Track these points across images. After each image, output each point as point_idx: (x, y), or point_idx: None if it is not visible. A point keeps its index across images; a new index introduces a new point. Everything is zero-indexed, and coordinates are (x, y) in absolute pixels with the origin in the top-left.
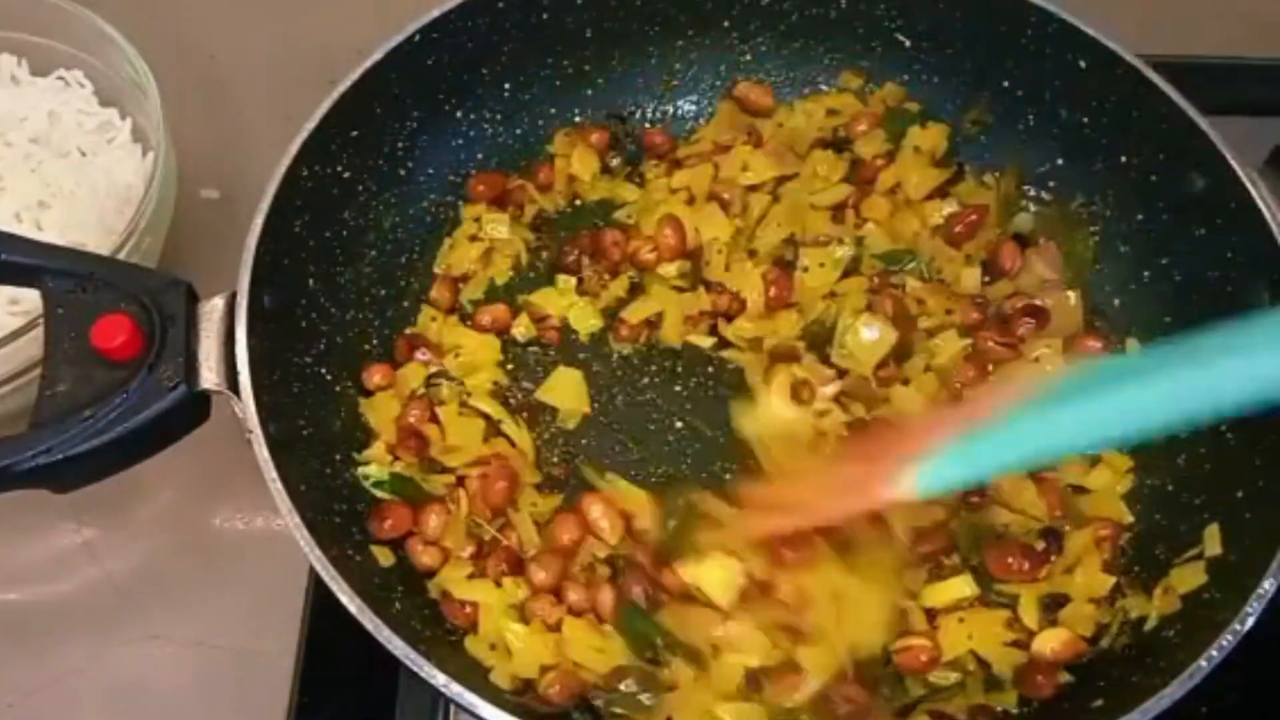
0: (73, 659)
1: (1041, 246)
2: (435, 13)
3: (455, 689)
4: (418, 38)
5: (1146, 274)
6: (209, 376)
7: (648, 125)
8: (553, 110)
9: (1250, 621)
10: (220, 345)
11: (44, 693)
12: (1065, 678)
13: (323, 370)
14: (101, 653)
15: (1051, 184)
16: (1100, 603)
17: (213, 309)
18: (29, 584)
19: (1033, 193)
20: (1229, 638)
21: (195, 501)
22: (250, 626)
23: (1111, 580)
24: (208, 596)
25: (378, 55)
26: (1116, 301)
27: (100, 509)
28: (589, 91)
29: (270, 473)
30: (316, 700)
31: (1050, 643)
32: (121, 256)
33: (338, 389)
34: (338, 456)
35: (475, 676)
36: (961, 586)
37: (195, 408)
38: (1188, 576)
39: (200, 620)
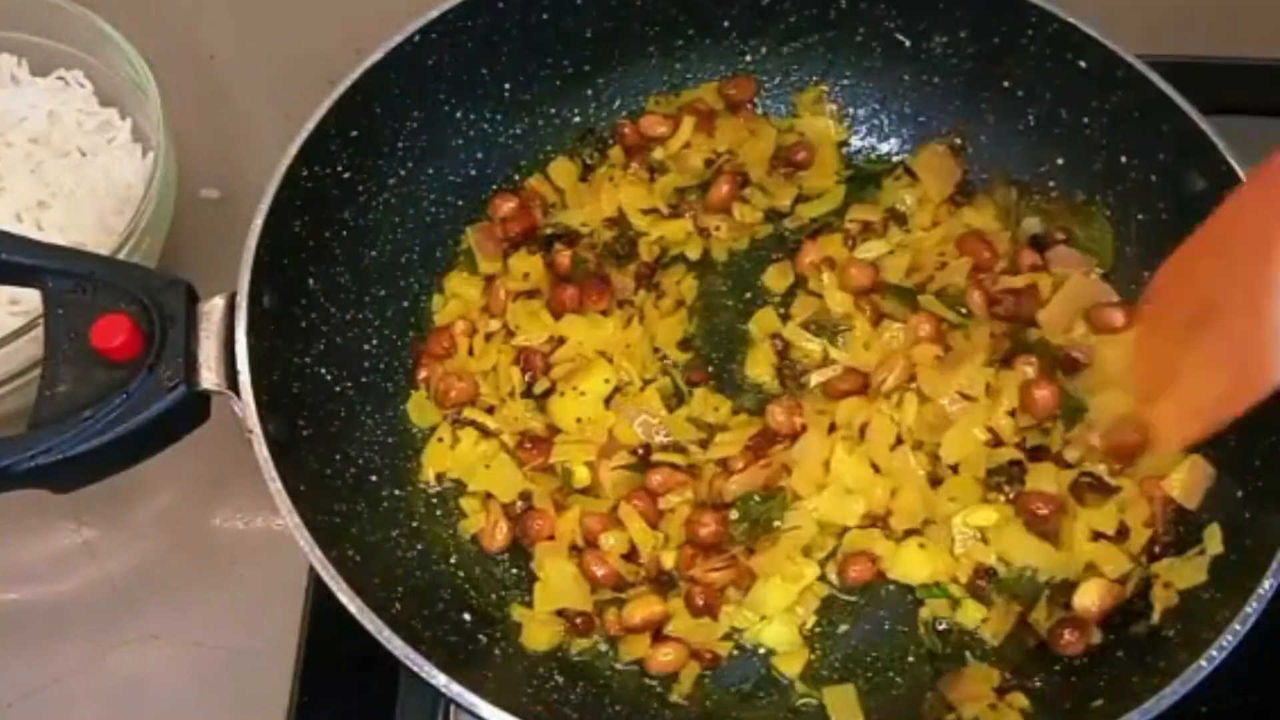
0: (73, 659)
1: (1055, 249)
2: (435, 13)
3: (455, 689)
4: (418, 38)
5: (1146, 274)
6: (209, 376)
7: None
8: (552, 110)
9: (1250, 621)
10: (220, 345)
11: (44, 693)
12: (1096, 638)
13: (323, 370)
14: (101, 653)
15: (1051, 184)
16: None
17: (213, 309)
18: (29, 584)
19: (1036, 196)
20: (1229, 638)
21: (195, 501)
22: (250, 626)
23: (1149, 533)
24: (208, 596)
25: (378, 55)
26: None
27: (100, 509)
28: (588, 91)
29: (270, 472)
30: (316, 700)
31: (1089, 596)
32: (121, 256)
33: (338, 389)
34: (337, 456)
35: (475, 676)
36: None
37: (195, 408)
38: (1188, 573)
39: (200, 620)
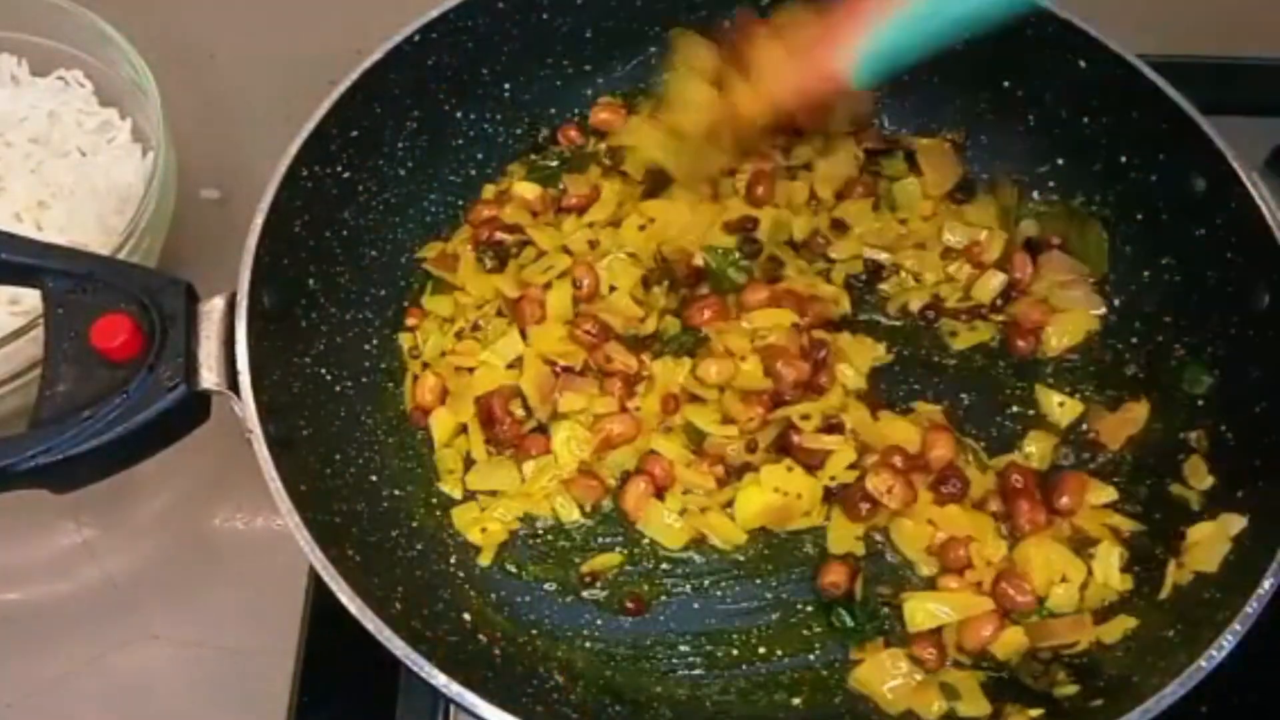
0: (73, 659)
1: (1048, 253)
2: (435, 13)
3: (455, 689)
4: (417, 38)
5: (1146, 274)
6: (209, 376)
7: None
8: (552, 110)
9: (1250, 621)
10: (220, 345)
11: (44, 693)
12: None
13: (322, 370)
14: (102, 653)
15: (1051, 184)
16: None
17: (213, 309)
18: (29, 584)
19: (1036, 195)
20: (1229, 638)
21: (195, 501)
22: (250, 626)
23: None
24: (208, 596)
25: (377, 55)
26: (1117, 301)
27: (100, 509)
28: (588, 92)
29: (270, 472)
30: (316, 700)
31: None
32: (121, 256)
33: (337, 389)
34: (338, 456)
35: (475, 676)
36: None
37: (195, 408)
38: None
39: (200, 620)
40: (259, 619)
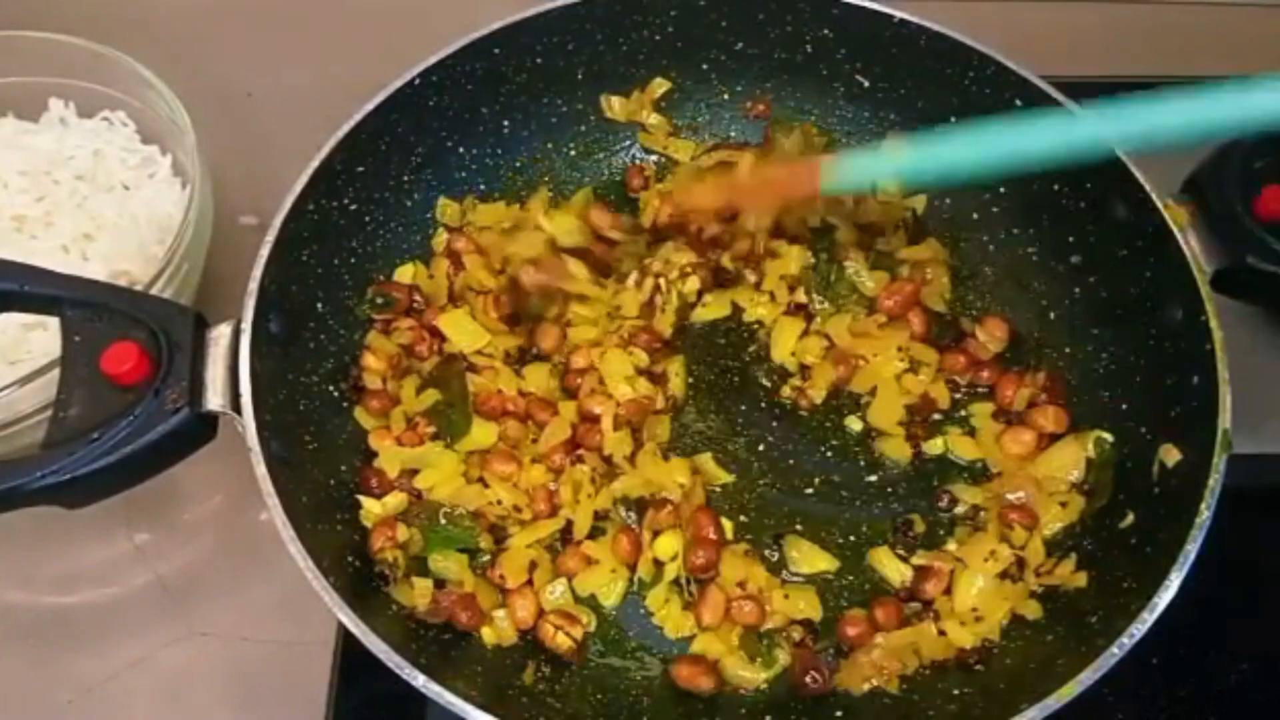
0: (127, 656)
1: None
2: (433, 59)
3: (434, 689)
4: (418, 81)
5: (1077, 290)
6: (214, 399)
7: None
8: (549, 145)
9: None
10: (225, 370)
11: (101, 689)
12: None
13: (330, 388)
14: (153, 650)
15: (995, 210)
16: None
17: (220, 335)
18: (85, 587)
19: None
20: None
21: (238, 505)
22: (290, 619)
23: None
24: (250, 593)
25: (380, 98)
26: (1052, 315)
27: (150, 515)
28: (581, 128)
29: (267, 487)
30: (355, 686)
31: None
32: (162, 281)
33: (345, 405)
34: (343, 467)
35: (466, 673)
36: None
37: (200, 428)
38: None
39: (245, 616)
40: (300, 612)
